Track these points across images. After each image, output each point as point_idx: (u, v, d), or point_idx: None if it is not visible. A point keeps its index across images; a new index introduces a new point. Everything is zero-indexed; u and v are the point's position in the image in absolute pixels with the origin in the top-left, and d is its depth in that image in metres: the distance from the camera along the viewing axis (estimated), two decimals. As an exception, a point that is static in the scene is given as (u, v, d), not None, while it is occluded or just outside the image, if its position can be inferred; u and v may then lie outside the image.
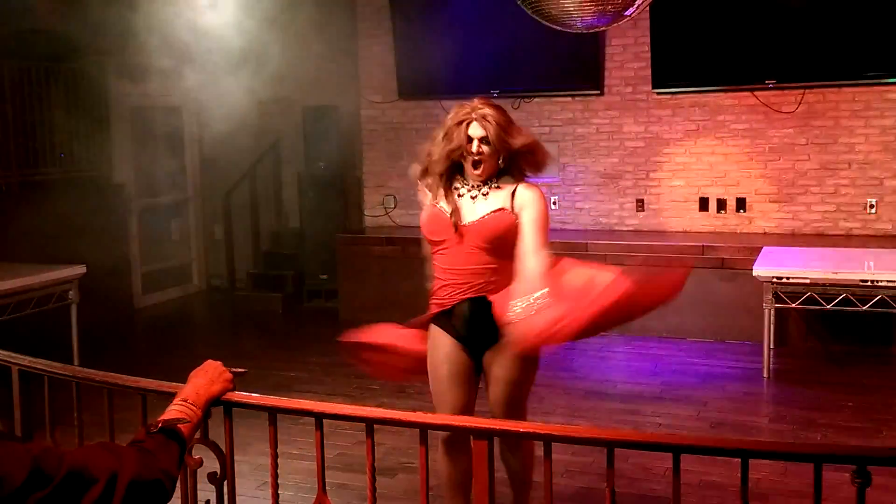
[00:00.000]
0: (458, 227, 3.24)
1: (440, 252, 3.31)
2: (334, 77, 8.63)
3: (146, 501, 1.58)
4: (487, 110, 3.23)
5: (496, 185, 3.29)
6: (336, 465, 4.30)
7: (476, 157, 3.22)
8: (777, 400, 5.58)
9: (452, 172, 3.31)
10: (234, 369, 2.15)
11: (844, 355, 6.33)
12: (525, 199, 3.26)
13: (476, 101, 3.27)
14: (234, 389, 2.07)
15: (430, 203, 3.33)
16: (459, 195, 3.31)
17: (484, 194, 3.29)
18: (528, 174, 3.34)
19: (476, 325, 3.24)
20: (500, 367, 3.25)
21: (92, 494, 1.47)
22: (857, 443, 4.65)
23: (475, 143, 3.21)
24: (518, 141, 3.25)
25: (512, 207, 3.24)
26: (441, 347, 3.30)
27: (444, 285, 3.29)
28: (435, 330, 3.33)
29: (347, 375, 5.74)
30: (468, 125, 3.23)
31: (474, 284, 3.25)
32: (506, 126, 3.24)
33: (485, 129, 3.20)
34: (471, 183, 3.30)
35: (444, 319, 3.30)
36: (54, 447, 1.50)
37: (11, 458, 1.39)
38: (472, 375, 3.33)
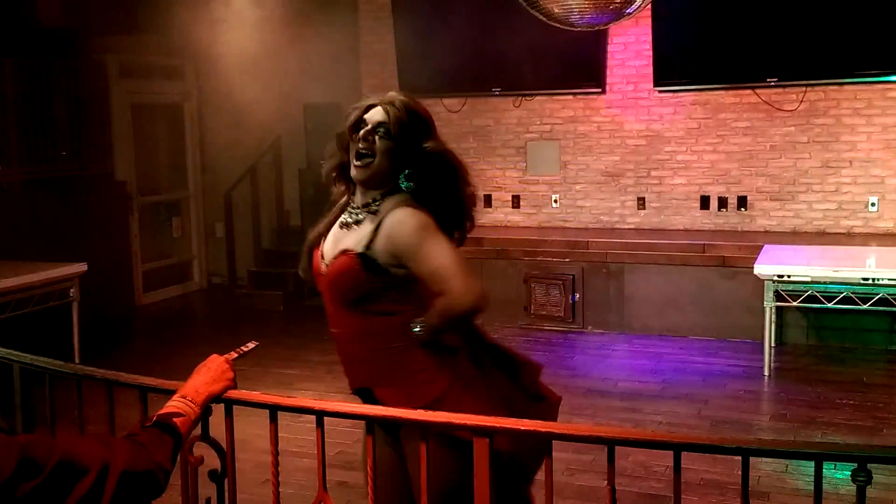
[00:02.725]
0: (320, 270, 2.42)
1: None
2: (336, 74, 8.63)
3: (138, 493, 1.58)
4: (401, 97, 2.37)
5: (377, 206, 2.36)
6: (337, 463, 4.31)
7: (362, 147, 2.32)
8: (778, 398, 5.58)
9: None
10: (242, 347, 2.15)
11: (845, 353, 6.33)
12: (392, 235, 2.28)
13: (392, 92, 2.44)
14: (235, 387, 2.07)
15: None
16: (341, 221, 2.43)
17: (356, 221, 2.37)
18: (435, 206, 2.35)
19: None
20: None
21: (83, 485, 1.47)
22: (857, 441, 4.65)
23: (367, 128, 2.33)
24: (430, 144, 2.35)
25: (369, 245, 2.30)
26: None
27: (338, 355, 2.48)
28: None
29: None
30: (367, 109, 2.37)
31: (355, 358, 2.41)
32: (422, 123, 2.36)
33: (387, 113, 2.33)
34: (355, 201, 2.40)
35: None
36: (44, 437, 1.50)
37: (0, 448, 1.38)
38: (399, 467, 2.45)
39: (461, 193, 2.42)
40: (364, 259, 2.30)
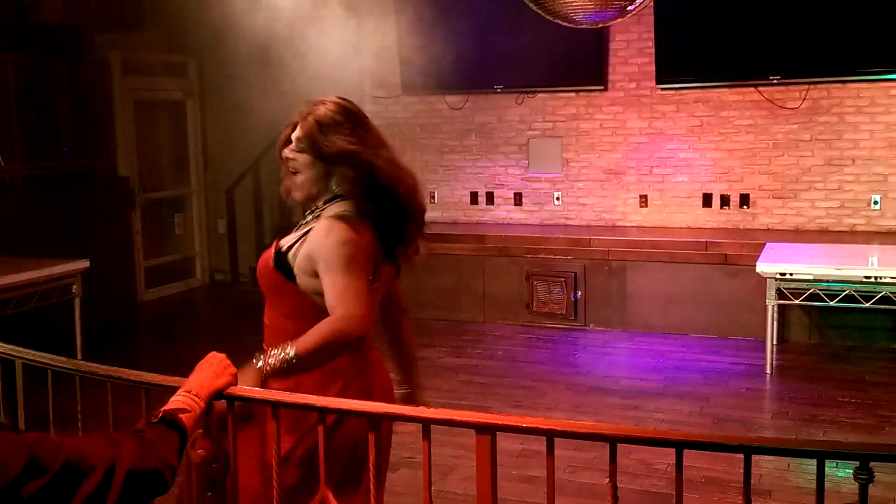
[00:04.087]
0: None
1: None
2: (337, 71, 8.61)
3: (145, 491, 1.58)
4: (317, 108, 2.43)
5: (319, 211, 2.47)
6: (339, 460, 4.30)
7: (290, 167, 2.46)
8: (780, 396, 5.58)
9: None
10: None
11: (847, 352, 6.32)
12: (312, 241, 2.36)
13: (321, 98, 2.49)
14: (237, 383, 2.07)
15: None
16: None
17: (302, 224, 2.51)
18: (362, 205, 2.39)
19: None
20: None
21: (89, 484, 1.47)
22: (860, 439, 4.65)
23: (289, 147, 2.46)
24: (333, 147, 2.37)
25: (292, 245, 2.42)
26: None
27: None
28: None
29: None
30: (293, 127, 2.48)
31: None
32: (329, 126, 2.38)
33: (301, 128, 2.43)
34: (309, 208, 2.52)
35: None
36: (51, 436, 1.50)
37: (8, 448, 1.38)
38: None
39: (392, 193, 2.39)
40: (277, 256, 2.42)
